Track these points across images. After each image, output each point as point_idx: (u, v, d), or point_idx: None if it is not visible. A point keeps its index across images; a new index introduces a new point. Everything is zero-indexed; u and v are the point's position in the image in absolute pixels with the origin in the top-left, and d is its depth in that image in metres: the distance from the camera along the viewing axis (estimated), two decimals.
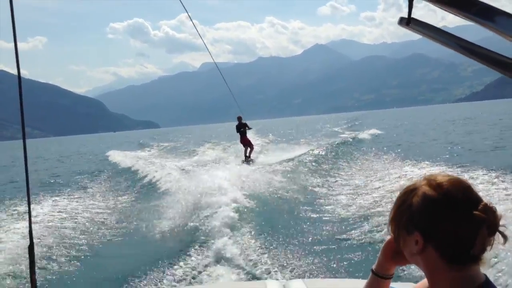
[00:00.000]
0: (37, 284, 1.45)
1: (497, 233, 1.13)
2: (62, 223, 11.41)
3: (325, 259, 7.43)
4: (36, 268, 1.44)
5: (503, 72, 0.90)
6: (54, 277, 7.68)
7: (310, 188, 13.90)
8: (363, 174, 15.95)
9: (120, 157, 30.01)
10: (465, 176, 12.29)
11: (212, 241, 8.14)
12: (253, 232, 8.87)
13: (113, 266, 8.20)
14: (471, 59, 0.94)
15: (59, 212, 12.91)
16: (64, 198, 15.65)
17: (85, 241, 9.84)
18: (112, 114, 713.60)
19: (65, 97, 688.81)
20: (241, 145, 22.27)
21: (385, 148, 23.73)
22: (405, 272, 5.89)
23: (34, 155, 53.44)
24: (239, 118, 21.79)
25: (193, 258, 7.66)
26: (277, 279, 5.24)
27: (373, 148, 24.27)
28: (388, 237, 1.38)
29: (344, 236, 8.61)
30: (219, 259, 7.36)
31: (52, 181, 22.35)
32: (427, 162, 16.41)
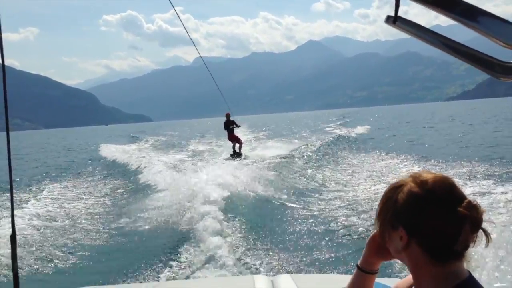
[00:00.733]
0: (19, 274, 1.49)
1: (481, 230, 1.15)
2: (48, 217, 11.36)
3: (312, 255, 7.49)
4: (18, 257, 1.46)
5: (489, 72, 0.91)
6: (37, 269, 7.68)
7: (297, 184, 14.00)
8: (350, 170, 16.17)
9: (111, 151, 29.93)
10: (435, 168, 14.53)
11: (200, 237, 8.12)
12: (241, 228, 8.90)
13: (100, 259, 8.18)
14: (458, 58, 0.94)
15: (46, 205, 12.84)
16: (52, 192, 15.54)
17: (71, 233, 9.83)
18: (104, 107, 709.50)
19: (57, 89, 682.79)
20: (229, 141, 22.35)
21: (372, 145, 24.07)
22: (389, 271, 5.95)
23: (23, 147, 53.04)
24: (228, 115, 21.88)
25: (181, 254, 7.66)
26: (265, 275, 5.27)
27: (360, 145, 24.61)
28: (372, 233, 1.40)
29: (331, 232, 8.68)
30: (207, 255, 7.35)
31: (41, 174, 22.20)
32: (409, 158, 17.35)
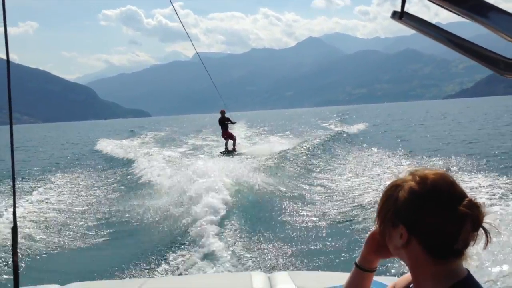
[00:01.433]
0: (19, 267, 1.51)
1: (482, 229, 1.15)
2: (47, 211, 11.33)
3: (309, 252, 7.48)
4: (18, 250, 1.44)
5: (493, 69, 0.90)
6: (36, 261, 7.69)
7: (295, 181, 13.98)
8: (349, 168, 16.19)
9: (109, 146, 29.90)
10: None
11: (197, 233, 8.11)
12: (238, 225, 8.89)
13: (96, 256, 8.17)
14: (463, 55, 0.94)
15: (45, 200, 12.80)
16: (50, 187, 15.50)
17: (69, 228, 9.80)
18: (102, 102, 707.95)
19: (56, 83, 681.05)
20: (223, 138, 22.50)
21: (370, 143, 24.10)
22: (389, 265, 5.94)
23: (22, 141, 52.95)
24: (223, 112, 22.00)
25: (177, 250, 7.64)
26: (262, 271, 5.25)
27: (359, 143, 24.65)
28: (371, 230, 1.39)
29: (329, 229, 8.67)
30: (204, 251, 7.34)
31: (40, 168, 22.14)
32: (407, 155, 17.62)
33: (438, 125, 39.36)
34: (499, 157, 15.89)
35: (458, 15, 0.90)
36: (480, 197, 8.73)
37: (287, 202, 11.07)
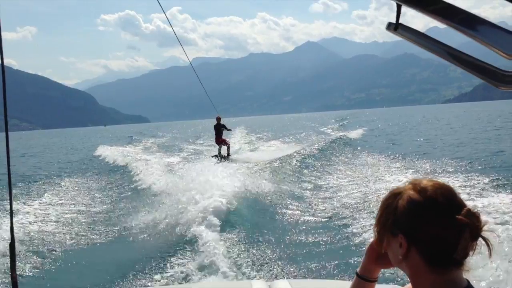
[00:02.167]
0: (18, 282, 1.46)
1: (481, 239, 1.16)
2: (45, 221, 11.33)
3: (310, 260, 7.48)
4: (17, 266, 1.44)
5: (488, 81, 0.92)
6: (35, 276, 7.62)
7: (295, 189, 13.98)
8: (348, 175, 16.16)
9: (110, 152, 29.92)
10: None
11: (197, 242, 8.13)
12: (238, 233, 8.90)
13: (97, 265, 8.17)
14: (457, 66, 0.94)
15: (43, 209, 12.81)
16: (49, 195, 15.49)
17: (68, 239, 9.79)
18: (101, 108, 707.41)
19: (55, 89, 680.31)
20: (216, 144, 22.72)
21: (370, 149, 24.16)
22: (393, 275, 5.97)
23: (21, 148, 52.89)
24: (218, 118, 22.30)
25: (178, 259, 7.66)
26: (262, 279, 5.27)
27: (358, 149, 24.67)
28: (372, 240, 1.39)
29: (329, 237, 8.67)
30: (204, 260, 7.34)
31: (38, 176, 22.14)
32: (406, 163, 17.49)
33: (429, 129, 40.86)
34: (481, 159, 16.78)
35: (450, 28, 0.90)
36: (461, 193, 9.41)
37: (287, 210, 11.08)
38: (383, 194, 1.31)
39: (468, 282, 1.21)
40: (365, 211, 10.16)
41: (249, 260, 7.43)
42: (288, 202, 11.88)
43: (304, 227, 9.48)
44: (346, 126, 51.21)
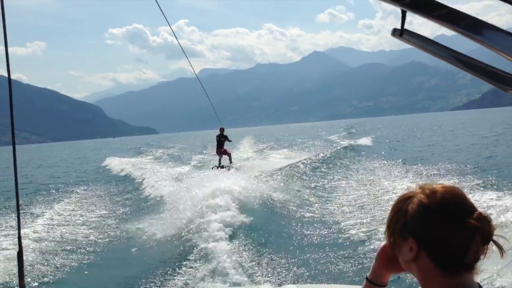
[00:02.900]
0: None
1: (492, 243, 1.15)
2: (54, 231, 11.47)
3: (318, 265, 7.57)
4: (25, 274, 1.57)
5: (496, 85, 0.91)
6: (44, 284, 7.72)
7: (303, 195, 14.10)
8: (357, 181, 16.22)
9: (119, 164, 30.24)
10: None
11: (207, 248, 8.23)
12: (247, 239, 9.01)
13: (106, 275, 8.27)
14: (463, 70, 0.94)
15: (53, 219, 12.99)
16: (59, 206, 15.71)
17: (77, 248, 9.90)
18: (110, 120, 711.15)
19: (64, 102, 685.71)
20: (217, 154, 22.89)
21: (378, 156, 24.17)
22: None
23: (36, 159, 53.42)
24: (221, 129, 22.55)
25: (187, 265, 7.78)
26: (270, 284, 5.37)
27: (366, 156, 24.67)
28: (383, 244, 1.39)
29: (338, 242, 8.75)
30: (214, 266, 7.45)
31: (48, 187, 22.38)
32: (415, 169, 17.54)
33: (433, 136, 42.02)
34: (477, 164, 17.64)
35: (456, 32, 0.90)
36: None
37: (295, 215, 11.18)
38: (389, 200, 1.53)
39: (480, 285, 1.20)
40: (373, 217, 10.22)
41: (257, 265, 7.52)
42: (296, 209, 11.98)
43: (312, 232, 9.56)
44: (355, 135, 51.12)
